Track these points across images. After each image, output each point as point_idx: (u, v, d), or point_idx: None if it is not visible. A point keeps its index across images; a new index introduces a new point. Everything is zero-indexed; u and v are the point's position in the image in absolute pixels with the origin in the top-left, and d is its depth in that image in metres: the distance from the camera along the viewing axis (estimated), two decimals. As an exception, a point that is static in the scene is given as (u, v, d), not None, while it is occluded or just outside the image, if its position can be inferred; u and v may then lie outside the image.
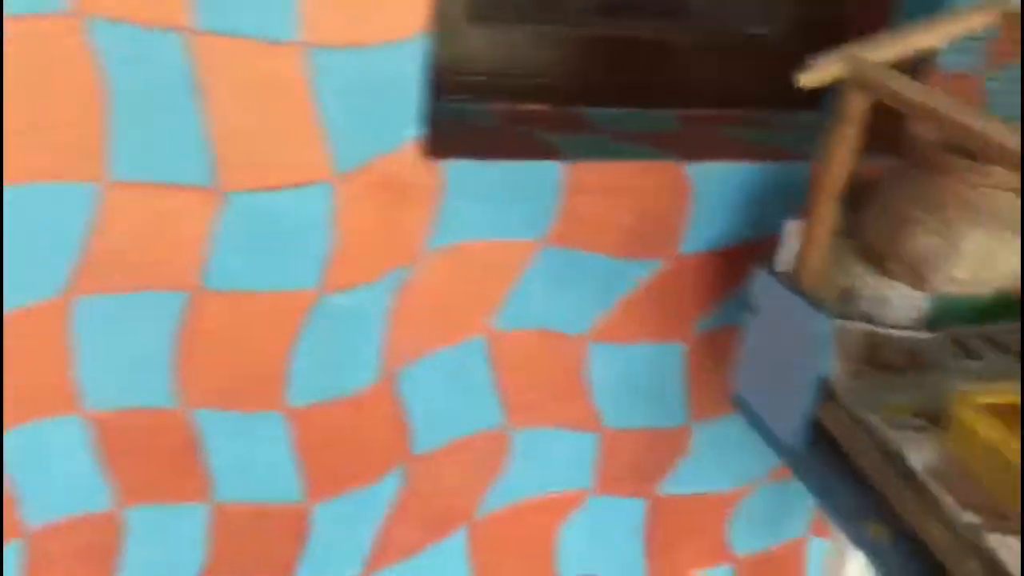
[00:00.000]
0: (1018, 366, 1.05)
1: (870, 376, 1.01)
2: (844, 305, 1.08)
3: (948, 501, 0.84)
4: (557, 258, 1.10)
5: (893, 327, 1.08)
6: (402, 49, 0.94)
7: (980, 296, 1.07)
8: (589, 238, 1.10)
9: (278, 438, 1.06)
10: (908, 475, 0.88)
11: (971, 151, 0.92)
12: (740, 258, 1.15)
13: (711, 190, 1.12)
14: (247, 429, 1.04)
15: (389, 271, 1.03)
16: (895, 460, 0.89)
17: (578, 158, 1.07)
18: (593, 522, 1.28)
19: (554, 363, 1.16)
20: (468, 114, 1.16)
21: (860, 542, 0.89)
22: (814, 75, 0.91)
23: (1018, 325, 1.10)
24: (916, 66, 1.15)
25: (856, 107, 0.92)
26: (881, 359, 1.05)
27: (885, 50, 0.92)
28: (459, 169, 1.02)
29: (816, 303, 0.95)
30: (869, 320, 1.09)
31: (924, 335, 1.09)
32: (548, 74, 1.23)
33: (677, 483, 1.30)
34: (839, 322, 1.04)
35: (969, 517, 0.82)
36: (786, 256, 1.03)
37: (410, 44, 0.94)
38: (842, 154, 0.94)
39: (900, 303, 1.09)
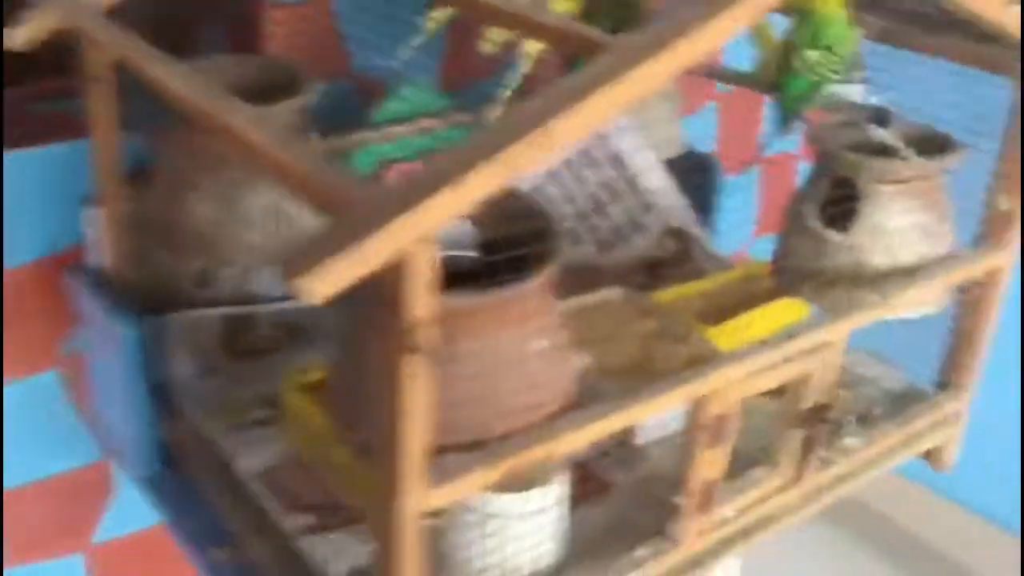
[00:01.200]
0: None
1: (229, 369, 0.88)
2: (203, 289, 0.93)
3: (273, 507, 0.72)
4: None
5: (268, 302, 0.96)
6: None
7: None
8: None
9: None
10: (239, 484, 0.75)
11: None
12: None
13: (25, 181, 0.91)
14: None
15: None
16: (227, 470, 0.76)
17: None
18: (20, 599, 1.06)
19: None
20: None
21: (207, 572, 0.75)
22: (25, 31, 0.72)
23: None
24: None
25: (96, 64, 0.75)
26: (248, 345, 0.91)
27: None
28: None
29: (118, 300, 0.79)
30: (247, 301, 0.95)
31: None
32: None
33: (116, 525, 1.11)
34: (182, 314, 0.90)
35: (292, 521, 0.71)
36: (97, 248, 0.85)
37: None
38: (103, 120, 0.77)
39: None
